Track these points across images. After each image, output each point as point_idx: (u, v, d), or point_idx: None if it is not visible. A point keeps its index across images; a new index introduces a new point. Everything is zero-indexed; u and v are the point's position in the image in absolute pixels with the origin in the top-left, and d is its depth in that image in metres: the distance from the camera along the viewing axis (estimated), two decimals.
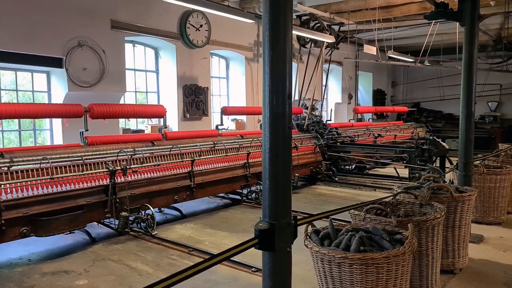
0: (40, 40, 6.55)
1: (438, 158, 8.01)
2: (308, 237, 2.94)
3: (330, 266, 2.73)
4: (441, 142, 8.38)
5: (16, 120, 6.81)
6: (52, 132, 7.27)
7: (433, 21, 9.10)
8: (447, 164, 7.92)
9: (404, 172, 8.64)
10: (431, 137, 8.56)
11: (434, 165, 7.62)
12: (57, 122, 7.11)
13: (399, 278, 2.72)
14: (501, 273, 4.16)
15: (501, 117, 15.72)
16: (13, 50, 6.27)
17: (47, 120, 7.18)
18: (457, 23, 5.39)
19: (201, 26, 8.99)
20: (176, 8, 8.16)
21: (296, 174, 7.92)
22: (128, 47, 8.22)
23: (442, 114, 16.95)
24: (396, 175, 8.65)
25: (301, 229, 2.53)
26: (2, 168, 4.63)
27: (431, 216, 3.39)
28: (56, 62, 6.79)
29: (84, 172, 5.15)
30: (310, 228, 3.00)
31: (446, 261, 4.05)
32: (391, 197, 3.82)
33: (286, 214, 2.32)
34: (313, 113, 10.28)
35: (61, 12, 6.78)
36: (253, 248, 2.27)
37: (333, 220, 3.09)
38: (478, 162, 5.85)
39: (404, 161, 8.62)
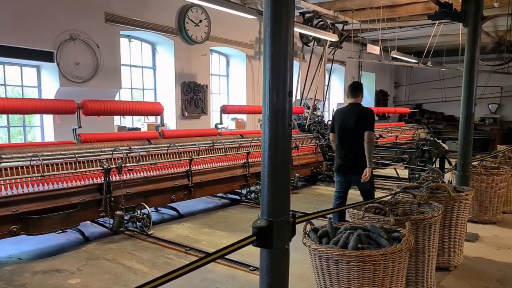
0: (30, 32, 6.22)
1: (438, 159, 7.98)
2: (306, 235, 2.94)
3: (328, 264, 2.75)
4: (441, 143, 8.33)
5: (5, 116, 6.56)
6: (43, 129, 7.03)
7: (437, 21, 9.00)
8: (447, 165, 7.88)
9: (404, 173, 8.60)
10: (431, 138, 8.50)
11: (433, 166, 7.56)
12: (49, 119, 6.85)
13: (395, 275, 2.75)
14: (495, 270, 4.25)
15: (501, 119, 15.74)
16: (1, 43, 5.96)
17: (38, 116, 6.94)
18: (461, 24, 5.36)
19: (200, 21, 8.74)
20: (174, 2, 8.00)
21: (297, 174, 7.82)
22: (123, 41, 7.96)
23: (443, 116, 16.96)
24: (396, 175, 8.59)
25: (299, 228, 2.50)
26: None
27: (428, 215, 3.43)
28: (46, 56, 6.49)
29: (77, 170, 5.02)
30: (308, 227, 3.00)
31: (442, 258, 4.13)
32: (390, 196, 3.85)
33: (284, 212, 2.29)
34: (315, 113, 10.17)
35: (52, 3, 6.46)
36: (251, 246, 2.24)
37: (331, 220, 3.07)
38: (476, 162, 5.95)
39: (405, 162, 8.54)
